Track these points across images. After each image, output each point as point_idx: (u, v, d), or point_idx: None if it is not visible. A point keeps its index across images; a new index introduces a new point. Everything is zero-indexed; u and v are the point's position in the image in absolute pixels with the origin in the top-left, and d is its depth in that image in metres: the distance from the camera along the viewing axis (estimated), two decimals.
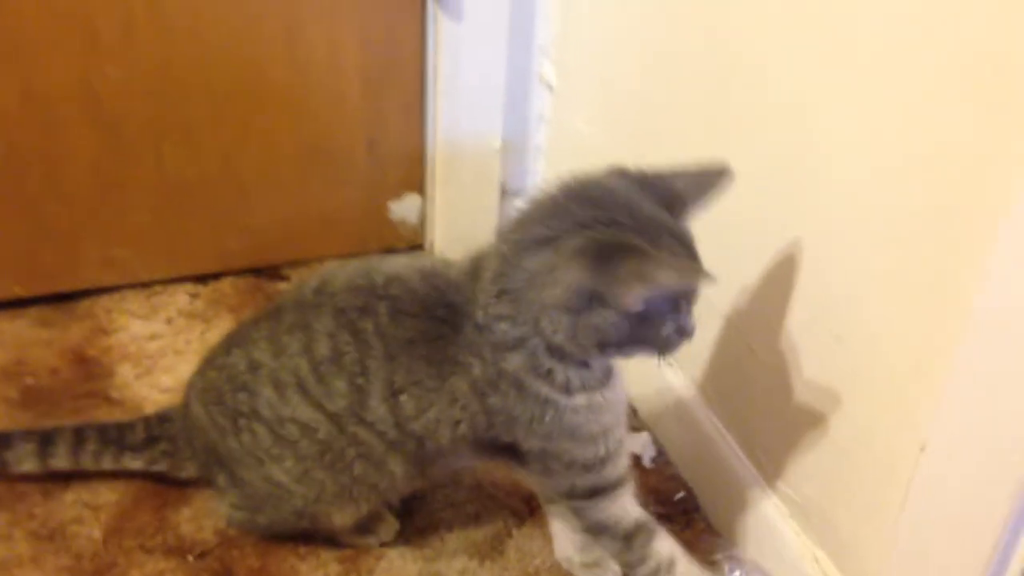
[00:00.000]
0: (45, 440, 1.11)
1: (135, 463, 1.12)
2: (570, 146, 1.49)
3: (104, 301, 1.43)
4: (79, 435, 1.11)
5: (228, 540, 1.11)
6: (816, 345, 1.01)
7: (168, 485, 1.16)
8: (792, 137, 1.00)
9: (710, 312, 1.16)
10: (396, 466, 0.99)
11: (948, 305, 0.83)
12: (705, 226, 1.16)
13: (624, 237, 0.84)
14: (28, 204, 1.36)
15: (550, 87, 1.50)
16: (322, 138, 1.47)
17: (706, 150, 1.15)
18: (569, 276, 0.84)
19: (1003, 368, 0.76)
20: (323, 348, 0.97)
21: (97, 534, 1.10)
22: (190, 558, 1.09)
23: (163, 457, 1.12)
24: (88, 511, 1.12)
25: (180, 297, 1.45)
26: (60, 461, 1.11)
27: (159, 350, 1.35)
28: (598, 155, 1.40)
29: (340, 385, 0.96)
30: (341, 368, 0.96)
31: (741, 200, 1.10)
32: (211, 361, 1.07)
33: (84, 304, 1.42)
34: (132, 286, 1.45)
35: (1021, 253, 0.73)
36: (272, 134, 1.44)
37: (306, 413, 0.98)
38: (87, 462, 1.11)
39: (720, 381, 1.17)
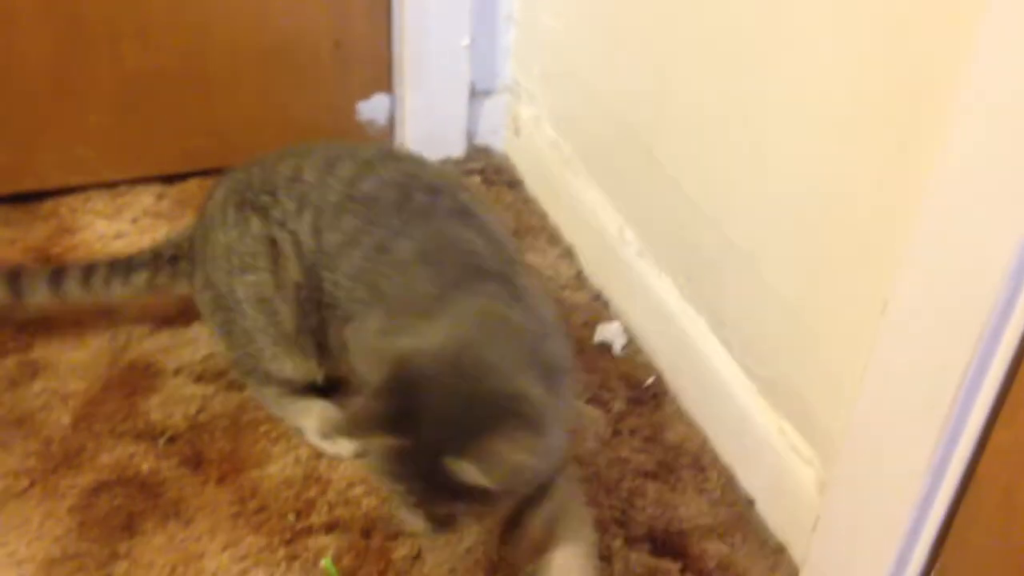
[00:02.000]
0: (57, 273, 1.16)
1: (140, 277, 1.16)
2: (538, 45, 1.47)
3: (69, 201, 1.41)
4: (89, 268, 1.16)
5: (199, 425, 1.11)
6: (785, 222, 1.01)
7: (137, 375, 1.15)
8: (757, 23, 0.99)
9: (681, 200, 1.16)
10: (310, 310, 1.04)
11: (909, 167, 0.84)
12: (678, 120, 1.16)
13: None
14: None
15: None
16: (286, 38, 1.44)
17: (672, 41, 1.14)
18: None
19: (963, 224, 0.76)
20: (367, 187, 1.02)
21: (66, 420, 1.10)
22: (160, 442, 1.09)
23: (167, 265, 1.16)
24: (56, 399, 1.12)
25: (146, 197, 1.43)
26: (72, 288, 1.15)
27: (124, 248, 1.33)
28: (566, 53, 1.39)
29: (349, 222, 1.00)
30: (365, 206, 1.00)
31: (709, 87, 1.10)
32: (260, 162, 1.11)
33: (48, 204, 1.41)
34: (98, 186, 1.44)
35: (980, 112, 0.73)
36: (233, 32, 1.41)
37: (304, 235, 1.03)
38: (98, 288, 1.16)
39: (691, 267, 1.18)
